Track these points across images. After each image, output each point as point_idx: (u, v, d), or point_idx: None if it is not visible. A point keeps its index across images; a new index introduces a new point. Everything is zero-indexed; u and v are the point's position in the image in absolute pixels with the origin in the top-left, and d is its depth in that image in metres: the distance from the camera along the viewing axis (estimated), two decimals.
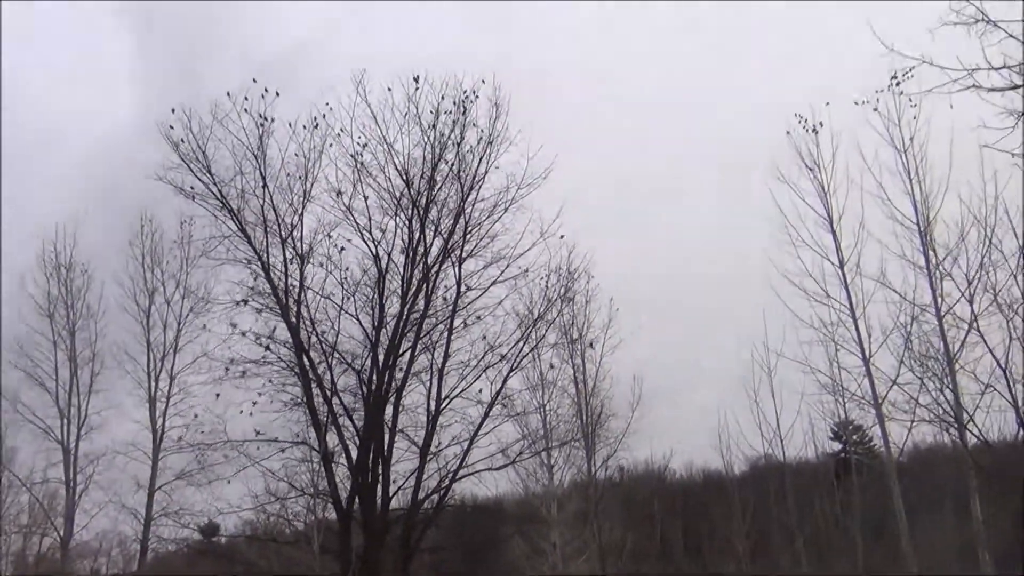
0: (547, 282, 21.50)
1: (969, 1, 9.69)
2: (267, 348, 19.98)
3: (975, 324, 20.86)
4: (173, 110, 19.64)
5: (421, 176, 20.25)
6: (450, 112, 20.18)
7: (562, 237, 21.10)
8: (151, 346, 29.58)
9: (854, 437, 38.56)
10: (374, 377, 19.96)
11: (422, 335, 20.50)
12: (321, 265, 20.40)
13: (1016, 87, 9.89)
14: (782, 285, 25.20)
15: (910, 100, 23.29)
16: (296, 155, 20.05)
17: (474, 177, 20.46)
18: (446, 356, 20.43)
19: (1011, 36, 9.74)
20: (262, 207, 20.06)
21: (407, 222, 20.36)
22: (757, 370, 29.59)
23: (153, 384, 29.20)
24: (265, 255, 20.12)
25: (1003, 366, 19.76)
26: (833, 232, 25.01)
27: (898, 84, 22.61)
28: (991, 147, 10.20)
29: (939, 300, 22.46)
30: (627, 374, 30.79)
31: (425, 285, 20.37)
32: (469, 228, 20.59)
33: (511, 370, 20.94)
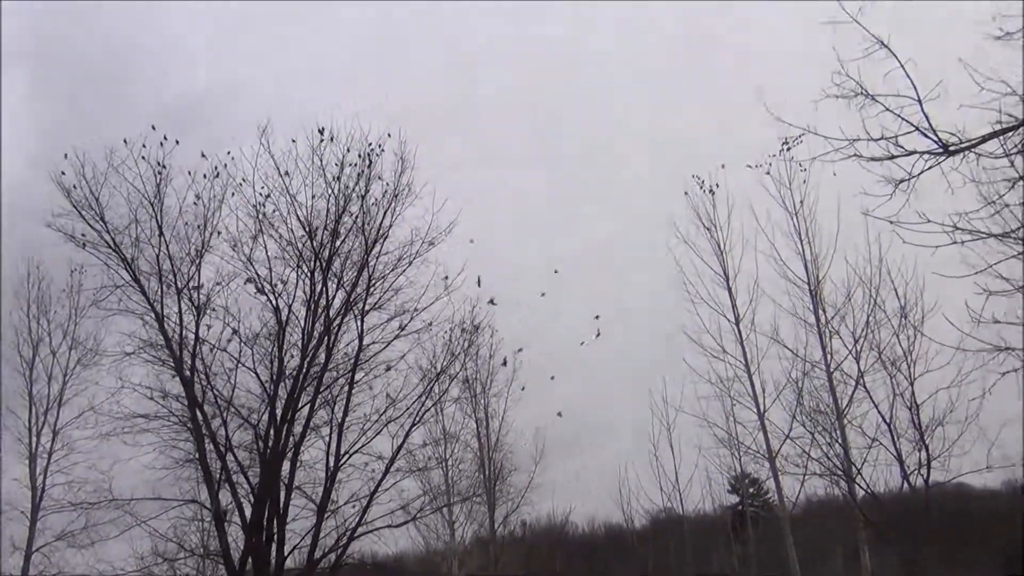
0: (450, 336, 21.50)
1: (848, 75, 10.24)
2: (154, 399, 19.31)
3: (862, 380, 21.73)
4: (66, 155, 19.06)
5: (324, 228, 20.08)
6: (355, 165, 20.17)
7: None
8: (34, 399, 28.08)
9: (750, 490, 39.35)
10: (271, 432, 19.44)
11: (322, 389, 20.12)
12: (219, 317, 19.92)
13: (892, 157, 10.48)
14: (681, 340, 25.85)
15: (800, 165, 24.45)
16: (195, 203, 19.67)
17: (378, 230, 20.41)
18: (346, 410, 20.08)
19: (888, 109, 10.35)
20: (157, 256, 19.52)
21: (309, 274, 20.10)
22: (657, 424, 30.14)
23: (34, 440, 27.66)
24: (159, 306, 19.53)
25: (888, 421, 20.61)
26: (729, 290, 25.85)
27: (788, 150, 23.94)
28: (870, 215, 10.72)
29: (828, 357, 23.30)
30: (530, 427, 30.85)
31: (326, 338, 20.05)
32: (373, 281, 20.45)
33: (413, 425, 20.73)
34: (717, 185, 26.58)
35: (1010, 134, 10.47)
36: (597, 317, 27.95)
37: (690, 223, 26.53)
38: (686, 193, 26.78)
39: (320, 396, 20.07)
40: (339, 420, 20.00)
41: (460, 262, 20.65)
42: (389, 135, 20.26)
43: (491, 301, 23.65)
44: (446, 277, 20.51)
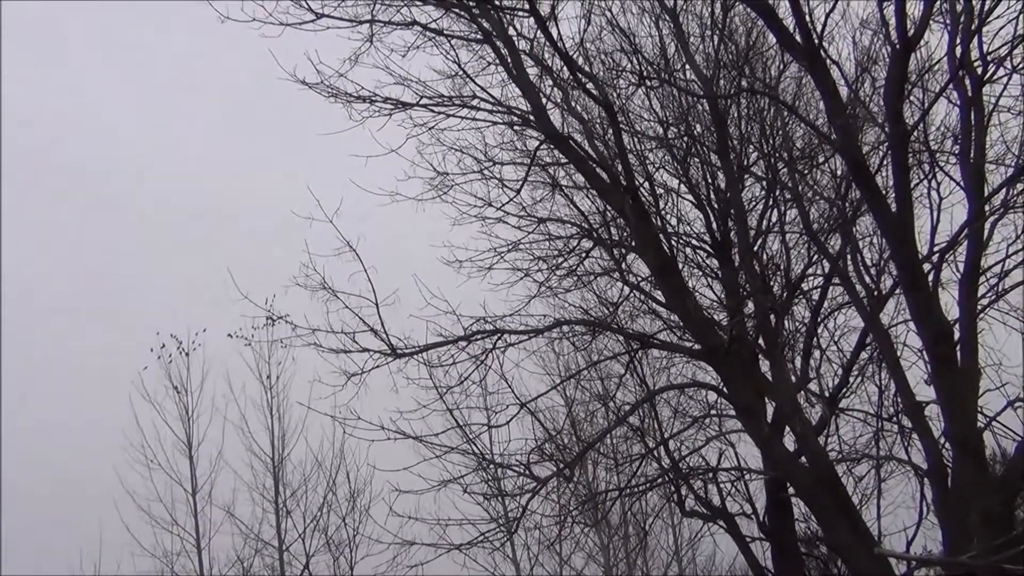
0: None
1: (314, 269, 10.96)
2: None
3: (308, 566, 21.99)
4: None
5: None
6: None
7: None
8: None
9: None
10: None
11: None
12: None
13: (347, 351, 11.21)
14: (128, 508, 23.85)
15: (281, 342, 24.89)
16: None
17: None
18: None
19: (348, 307, 11.13)
20: None
21: None
22: None
23: None
24: None
25: None
26: (191, 458, 24.69)
27: (273, 324, 24.29)
28: (312, 408, 11.26)
29: (282, 535, 23.18)
30: None
31: None
32: None
33: None
34: (196, 346, 25.77)
35: (448, 347, 11.89)
36: None
37: (159, 383, 25.16)
38: (163, 345, 25.40)
39: None
40: None
41: None
42: None
43: None
44: None
